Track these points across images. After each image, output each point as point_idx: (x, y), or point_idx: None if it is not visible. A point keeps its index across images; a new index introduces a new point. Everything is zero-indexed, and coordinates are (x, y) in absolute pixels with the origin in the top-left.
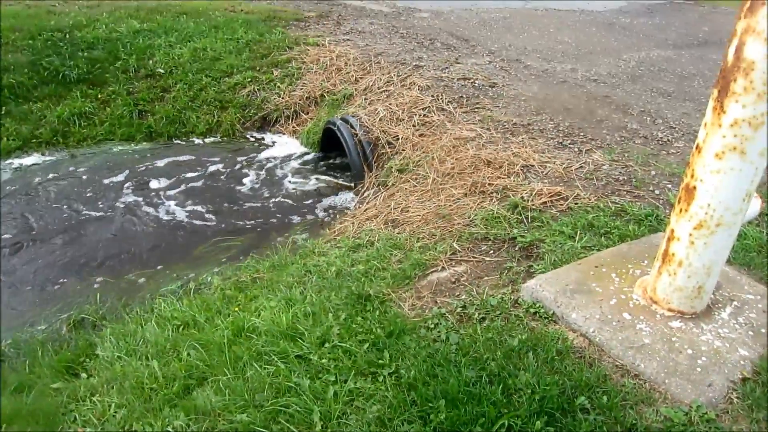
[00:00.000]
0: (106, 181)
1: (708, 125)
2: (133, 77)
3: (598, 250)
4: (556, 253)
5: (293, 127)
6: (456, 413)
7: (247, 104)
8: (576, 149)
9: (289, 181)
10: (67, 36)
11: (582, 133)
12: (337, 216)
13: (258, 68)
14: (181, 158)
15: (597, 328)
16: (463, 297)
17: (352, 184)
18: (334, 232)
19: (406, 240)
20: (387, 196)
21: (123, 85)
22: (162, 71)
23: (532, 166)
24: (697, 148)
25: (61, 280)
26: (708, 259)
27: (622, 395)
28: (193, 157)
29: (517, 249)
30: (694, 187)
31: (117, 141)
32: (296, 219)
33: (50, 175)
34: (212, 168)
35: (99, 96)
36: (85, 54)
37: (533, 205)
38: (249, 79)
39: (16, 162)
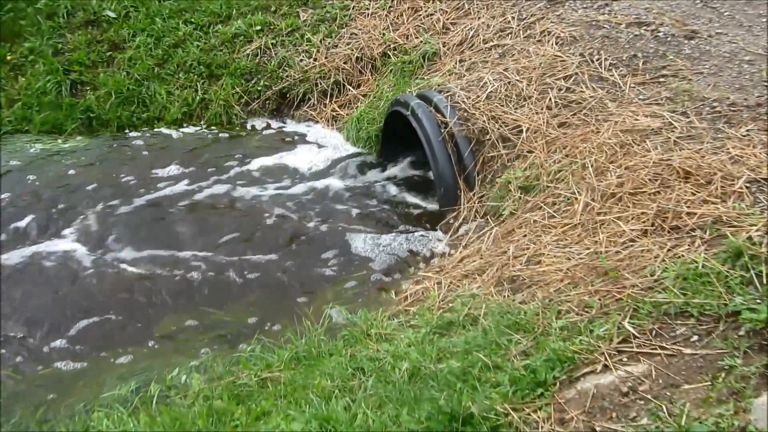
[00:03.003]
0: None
1: None
2: (65, 26)
3: None
4: None
5: (332, 109)
6: None
7: (254, 71)
8: None
9: (326, 208)
10: None
11: None
12: (412, 269)
13: (273, 9)
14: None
15: None
16: (645, 421)
17: (439, 212)
18: (406, 298)
19: (536, 315)
20: (501, 234)
21: (48, 39)
22: (112, 15)
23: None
24: None
25: None
26: None
27: None
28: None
29: (742, 333)
30: None
31: (35, 133)
32: (338, 273)
33: None
34: (183, 183)
35: (8, 57)
36: None
37: None
38: (258, 28)
39: None
